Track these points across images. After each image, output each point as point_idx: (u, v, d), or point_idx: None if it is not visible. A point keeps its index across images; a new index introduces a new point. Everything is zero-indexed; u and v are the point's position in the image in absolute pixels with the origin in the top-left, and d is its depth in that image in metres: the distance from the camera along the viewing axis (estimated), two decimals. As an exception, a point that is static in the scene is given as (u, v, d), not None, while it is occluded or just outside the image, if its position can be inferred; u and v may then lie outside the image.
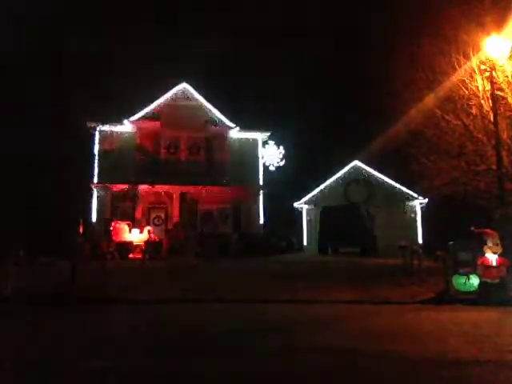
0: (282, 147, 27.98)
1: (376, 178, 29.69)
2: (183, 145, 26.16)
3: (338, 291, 11.32)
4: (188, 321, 8.40)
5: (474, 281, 10.33)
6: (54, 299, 10.17)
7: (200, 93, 26.42)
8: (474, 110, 15.42)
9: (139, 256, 19.37)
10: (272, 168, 27.69)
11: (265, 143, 27.38)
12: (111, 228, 21.06)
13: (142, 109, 25.62)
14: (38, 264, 15.87)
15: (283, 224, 28.82)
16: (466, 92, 15.38)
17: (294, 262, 19.81)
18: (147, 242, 20.22)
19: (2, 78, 19.83)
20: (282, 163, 27.94)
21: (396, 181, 29.08)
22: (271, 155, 27.69)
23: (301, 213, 30.04)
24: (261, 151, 27.08)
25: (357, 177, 29.90)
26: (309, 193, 29.98)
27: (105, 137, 24.99)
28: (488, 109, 14.67)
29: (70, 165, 22.74)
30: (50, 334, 7.16)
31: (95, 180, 24.35)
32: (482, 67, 14.15)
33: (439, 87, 15.98)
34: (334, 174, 30.08)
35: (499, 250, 10.16)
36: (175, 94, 26.30)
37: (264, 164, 27.17)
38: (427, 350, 6.02)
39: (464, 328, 7.41)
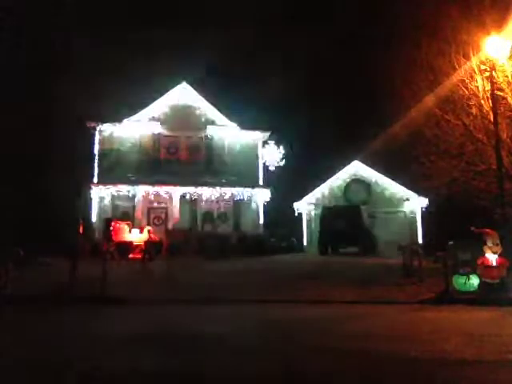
0: (281, 147, 27.93)
1: (376, 178, 29.68)
2: (183, 145, 26.17)
3: (338, 291, 11.31)
4: (188, 321, 8.40)
5: (474, 281, 10.33)
6: (54, 299, 10.17)
7: (200, 93, 26.43)
8: (474, 110, 15.41)
9: (139, 256, 19.38)
10: (272, 168, 27.65)
11: (265, 143, 27.34)
12: (111, 228, 21.02)
13: (142, 109, 25.64)
14: (38, 264, 15.87)
15: (283, 224, 28.80)
16: (466, 92, 15.37)
17: (293, 262, 19.82)
18: (147, 242, 20.22)
19: (2, 78, 19.83)
20: (281, 163, 27.89)
21: (396, 181, 29.06)
22: (271, 155, 27.63)
23: (301, 213, 30.02)
24: (261, 151, 27.08)
25: (357, 177, 29.90)
26: (309, 193, 29.96)
27: (105, 137, 25.00)
28: (488, 109, 14.66)
29: (69, 165, 22.73)
30: (50, 334, 7.16)
31: (95, 180, 24.34)
32: (482, 67, 14.14)
33: (439, 87, 15.97)
34: (334, 173, 30.06)
35: (499, 250, 10.17)
36: (175, 93, 26.32)
37: (264, 164, 27.16)
38: (427, 350, 6.02)
39: (464, 328, 7.41)
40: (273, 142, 27.57)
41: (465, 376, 4.94)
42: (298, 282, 12.71)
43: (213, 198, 25.00)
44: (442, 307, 9.60)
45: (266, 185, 26.50)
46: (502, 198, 12.88)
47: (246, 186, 25.36)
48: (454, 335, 6.78)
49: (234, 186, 25.02)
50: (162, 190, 24.43)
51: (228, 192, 24.97)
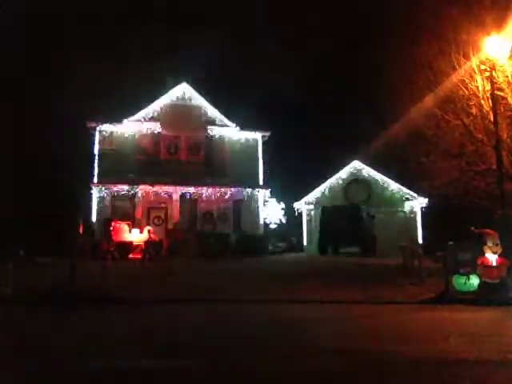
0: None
1: (376, 178, 29.66)
2: (183, 145, 26.17)
3: (338, 291, 11.31)
4: (187, 321, 8.40)
5: (474, 281, 10.32)
6: (53, 299, 10.17)
7: (200, 93, 26.43)
8: (473, 110, 15.41)
9: (139, 256, 19.38)
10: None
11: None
12: (111, 228, 21.05)
13: (142, 109, 25.63)
14: (38, 264, 15.88)
15: (283, 224, 28.82)
16: (466, 92, 15.36)
17: (293, 262, 19.82)
18: (147, 242, 20.22)
19: (3, 78, 19.85)
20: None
21: (396, 181, 29.04)
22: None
23: (301, 213, 30.02)
24: (261, 151, 27.07)
25: (357, 177, 29.88)
26: (309, 193, 29.95)
27: (105, 137, 25.00)
28: (488, 109, 14.65)
29: (69, 165, 22.75)
30: (50, 334, 7.16)
31: (95, 180, 24.33)
32: (482, 67, 14.14)
33: (439, 87, 15.96)
34: (334, 173, 30.03)
35: (499, 250, 10.16)
36: (175, 93, 26.31)
37: (264, 164, 27.13)
38: (427, 350, 6.02)
39: (464, 328, 7.41)
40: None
41: (465, 376, 4.94)
42: (297, 282, 12.71)
43: (213, 197, 24.99)
44: (442, 307, 9.60)
45: (265, 185, 26.50)
46: (502, 198, 12.88)
47: (246, 186, 25.36)
48: (454, 335, 6.78)
49: (234, 186, 25.01)
50: (162, 189, 24.43)
51: (228, 192, 24.96)
